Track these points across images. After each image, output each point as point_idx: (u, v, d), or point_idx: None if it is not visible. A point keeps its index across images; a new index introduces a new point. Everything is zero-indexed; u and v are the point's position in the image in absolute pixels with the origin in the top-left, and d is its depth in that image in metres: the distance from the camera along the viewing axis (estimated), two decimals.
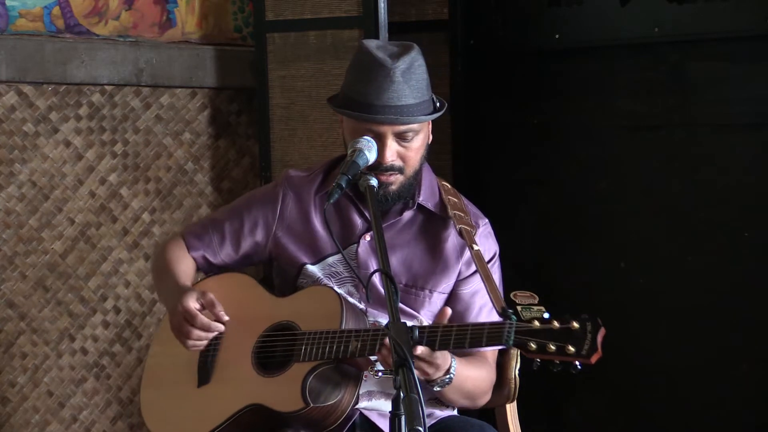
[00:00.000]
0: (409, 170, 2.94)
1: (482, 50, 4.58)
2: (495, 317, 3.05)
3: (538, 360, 2.63)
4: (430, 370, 2.78)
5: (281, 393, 2.84)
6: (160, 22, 4.44)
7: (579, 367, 2.61)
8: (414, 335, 2.65)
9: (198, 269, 3.14)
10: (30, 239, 4.16)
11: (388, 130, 2.89)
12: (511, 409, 3.18)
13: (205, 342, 2.93)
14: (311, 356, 2.83)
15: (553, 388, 4.36)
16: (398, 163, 2.91)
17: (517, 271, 4.39)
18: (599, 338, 2.59)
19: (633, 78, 4.29)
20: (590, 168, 4.40)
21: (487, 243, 3.07)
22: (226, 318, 2.93)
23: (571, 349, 2.59)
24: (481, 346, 2.74)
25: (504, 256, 3.14)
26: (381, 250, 2.63)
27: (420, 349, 2.72)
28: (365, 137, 2.88)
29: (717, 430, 4.16)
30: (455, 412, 3.12)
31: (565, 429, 4.49)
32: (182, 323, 2.91)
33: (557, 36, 4.41)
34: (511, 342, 2.64)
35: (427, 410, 2.94)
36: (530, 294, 2.85)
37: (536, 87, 4.49)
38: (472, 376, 2.95)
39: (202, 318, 2.90)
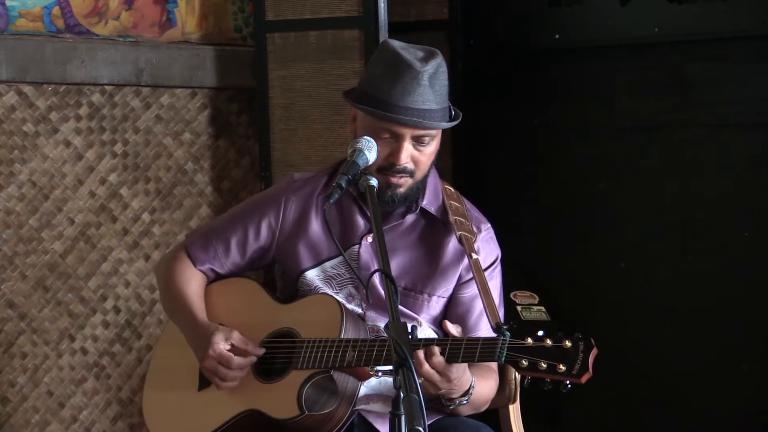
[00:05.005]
0: (419, 174, 2.93)
1: (482, 50, 4.58)
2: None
3: (529, 378, 2.63)
4: (443, 384, 2.74)
5: (278, 399, 2.85)
6: (160, 22, 4.44)
7: (569, 386, 2.60)
8: (414, 335, 2.64)
9: (208, 282, 3.12)
10: (30, 239, 4.16)
11: (408, 133, 2.87)
12: (514, 410, 3.17)
13: (239, 381, 2.93)
14: (308, 364, 2.84)
15: (554, 390, 4.35)
16: (411, 166, 2.90)
17: (518, 271, 4.40)
18: (591, 358, 2.58)
19: (633, 78, 4.29)
20: (590, 168, 4.40)
21: (488, 248, 3.05)
22: (261, 351, 2.92)
23: (562, 368, 2.58)
24: (473, 361, 2.72)
25: (505, 256, 3.14)
26: (381, 250, 2.62)
27: (436, 360, 2.70)
28: (365, 137, 2.86)
29: (717, 430, 4.16)
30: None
31: (566, 430, 4.49)
32: (217, 368, 2.91)
33: (557, 36, 4.41)
34: (503, 359, 2.63)
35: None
36: (530, 294, 2.85)
37: (536, 87, 4.49)
38: (485, 390, 2.95)
39: (238, 360, 2.90)
